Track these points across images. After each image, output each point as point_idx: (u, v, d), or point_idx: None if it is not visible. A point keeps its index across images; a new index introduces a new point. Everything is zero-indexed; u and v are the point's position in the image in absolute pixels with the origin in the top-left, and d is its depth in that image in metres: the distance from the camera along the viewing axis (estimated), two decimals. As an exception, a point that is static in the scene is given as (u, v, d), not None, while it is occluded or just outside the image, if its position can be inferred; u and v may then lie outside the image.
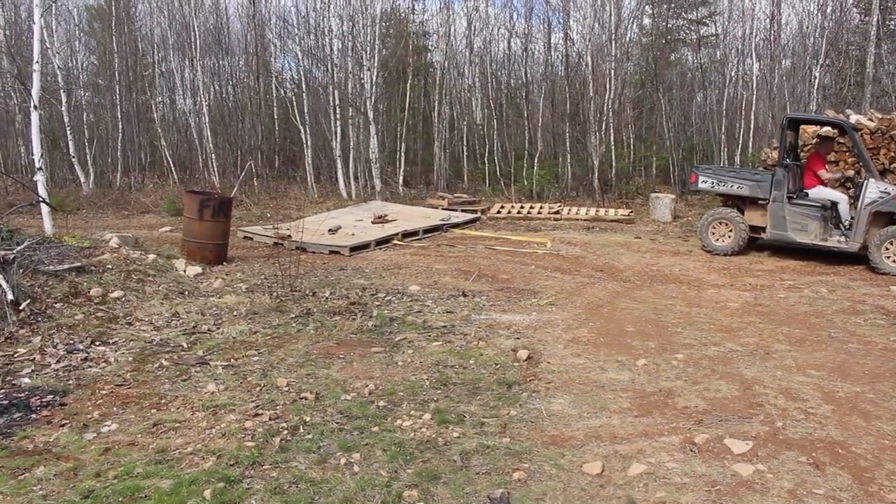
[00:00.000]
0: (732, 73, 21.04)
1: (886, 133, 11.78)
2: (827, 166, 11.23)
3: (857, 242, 10.36)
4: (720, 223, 11.65)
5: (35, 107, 10.05)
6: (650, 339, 6.59)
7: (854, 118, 12.24)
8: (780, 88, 19.72)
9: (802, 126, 12.22)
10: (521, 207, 16.56)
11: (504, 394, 5.11)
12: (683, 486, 3.78)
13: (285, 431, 4.36)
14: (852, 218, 10.51)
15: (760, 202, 11.25)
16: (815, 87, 18.39)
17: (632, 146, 21.10)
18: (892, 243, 10.01)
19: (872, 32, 18.33)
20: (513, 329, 6.85)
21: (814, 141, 12.17)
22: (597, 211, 16.20)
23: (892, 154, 11.75)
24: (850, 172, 11.33)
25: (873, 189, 10.24)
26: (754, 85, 19.50)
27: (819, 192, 10.91)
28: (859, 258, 10.49)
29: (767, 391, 5.20)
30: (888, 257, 10.03)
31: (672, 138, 20.48)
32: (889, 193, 10.18)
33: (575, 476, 3.90)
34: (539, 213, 16.14)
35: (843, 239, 10.59)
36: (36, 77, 10.12)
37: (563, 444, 4.29)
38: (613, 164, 19.57)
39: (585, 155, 19.81)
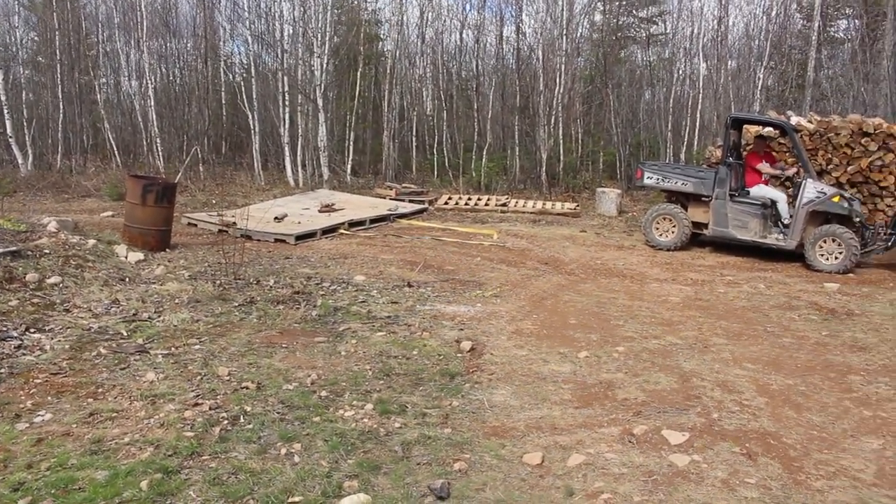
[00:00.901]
0: (680, 72, 21.44)
1: (824, 135, 12.10)
2: (769, 163, 11.48)
3: (794, 240, 10.65)
4: (664, 219, 11.85)
5: (-30, 84, 9.72)
6: (592, 331, 6.69)
7: (794, 120, 12.54)
8: (725, 88, 20.13)
9: (746, 126, 12.48)
10: (469, 199, 16.61)
11: (447, 385, 5.13)
12: (621, 477, 3.85)
13: (225, 421, 4.31)
14: (791, 216, 10.80)
15: (703, 199, 11.48)
16: (759, 88, 18.84)
17: (580, 141, 21.32)
18: (825, 241, 10.32)
19: (814, 38, 18.85)
20: (457, 320, 6.88)
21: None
22: (543, 204, 16.34)
23: (829, 156, 12.08)
24: (791, 171, 11.63)
25: (811, 189, 10.53)
26: (701, 84, 19.88)
27: (760, 191, 11.18)
28: (796, 256, 10.79)
29: (705, 384, 5.33)
30: (822, 255, 10.34)
31: (619, 134, 20.76)
32: (825, 194, 10.49)
33: (515, 466, 3.94)
34: (486, 205, 16.21)
35: (781, 237, 10.87)
36: (-29, 53, 9.78)
37: (504, 434, 4.33)
38: (561, 158, 19.75)
39: (534, 148, 19.95)
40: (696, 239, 11.98)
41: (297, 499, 3.49)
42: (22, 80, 23.09)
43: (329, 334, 6.25)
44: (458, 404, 4.76)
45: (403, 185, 18.36)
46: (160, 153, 20.40)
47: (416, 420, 4.48)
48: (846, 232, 10.25)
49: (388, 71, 21.54)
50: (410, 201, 15.97)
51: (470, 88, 23.31)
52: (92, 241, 8.63)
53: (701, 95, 19.74)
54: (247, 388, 4.85)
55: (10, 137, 19.54)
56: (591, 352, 6.01)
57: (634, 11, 25.00)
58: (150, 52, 21.49)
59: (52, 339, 5.79)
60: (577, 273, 9.68)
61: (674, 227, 11.73)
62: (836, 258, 10.25)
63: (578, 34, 22.05)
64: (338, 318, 6.79)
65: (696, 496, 3.68)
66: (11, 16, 23.94)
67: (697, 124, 19.74)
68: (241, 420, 4.35)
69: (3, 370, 5.04)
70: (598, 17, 23.75)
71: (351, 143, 20.77)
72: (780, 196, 11.10)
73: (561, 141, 19.79)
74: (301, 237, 11.38)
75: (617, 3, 23.66)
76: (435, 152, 22.02)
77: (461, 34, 24.35)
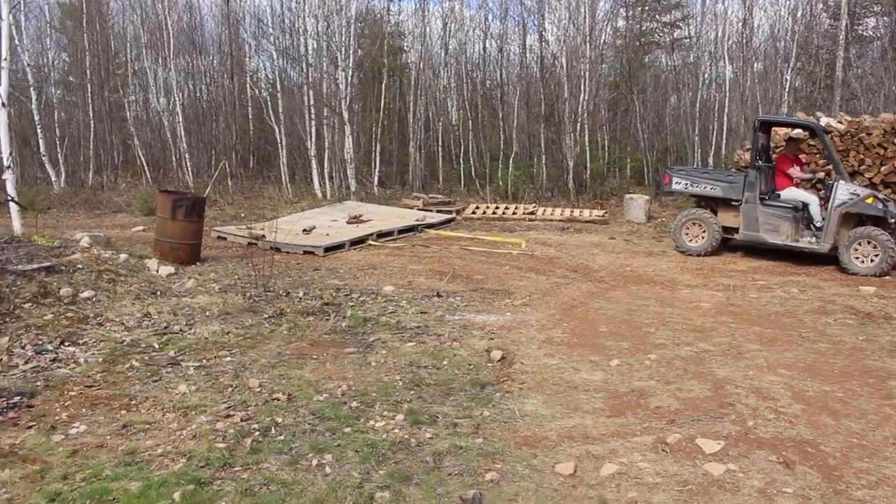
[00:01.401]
0: (705, 76, 21.25)
1: (855, 136, 11.93)
2: (798, 166, 11.34)
3: (827, 243, 10.48)
4: (693, 224, 11.73)
5: (3, 104, 9.90)
6: (623, 339, 6.62)
7: (824, 121, 12.39)
8: (752, 91, 19.93)
9: (774, 128, 12.34)
10: (497, 208, 16.58)
11: (477, 394, 5.11)
12: (655, 486, 3.80)
13: (257, 433, 4.33)
14: (823, 219, 10.63)
15: (733, 203, 11.34)
16: (787, 89, 18.63)
17: (606, 147, 21.22)
18: (860, 244, 10.14)
19: (841, 37, 18.59)
20: (487, 329, 6.85)
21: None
22: (571, 212, 16.26)
23: (861, 156, 11.91)
24: (822, 174, 11.47)
25: (843, 191, 10.36)
26: (727, 87, 19.68)
27: (791, 194, 11.03)
28: (830, 259, 10.61)
29: (739, 391, 5.25)
30: (857, 258, 10.16)
31: (646, 140, 20.61)
32: (858, 195, 10.32)
33: (547, 476, 3.90)
34: (514, 213, 16.17)
35: (813, 240, 10.70)
36: (4, 74, 9.96)
37: (535, 444, 4.30)
38: (588, 165, 19.65)
39: (560, 156, 19.87)
40: (727, 244, 11.84)
41: (329, 510, 3.48)
42: (54, 99, 23.50)
43: (359, 345, 6.26)
44: (489, 414, 4.73)
45: (430, 195, 18.36)
46: (189, 168, 20.64)
47: (447, 430, 4.46)
48: (882, 234, 10.06)
49: (413, 82, 21.61)
50: (438, 211, 15.96)
51: (494, 97, 23.28)
52: (124, 256, 8.74)
53: (727, 99, 19.54)
54: (278, 399, 4.86)
55: (44, 156, 19.89)
56: (622, 360, 5.95)
57: (657, 16, 24.85)
58: (178, 69, 21.77)
59: (86, 352, 5.86)
60: (606, 280, 9.61)
61: (704, 232, 11.61)
62: (872, 261, 10.06)
63: (602, 41, 21.96)
64: (367, 329, 6.79)
65: (733, 505, 3.62)
66: (44, 38, 24.43)
67: (725, 128, 19.52)
68: (273, 431, 4.36)
69: (39, 383, 5.11)
70: (621, 23, 23.64)
71: (377, 154, 20.84)
72: (811, 199, 10.95)
73: (587, 148, 19.70)
74: (330, 249, 11.43)
75: (640, 9, 23.54)
76: (461, 162, 22.02)
77: (484, 44, 24.38)
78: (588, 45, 19.87)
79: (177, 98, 21.07)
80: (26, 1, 20.67)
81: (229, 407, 4.72)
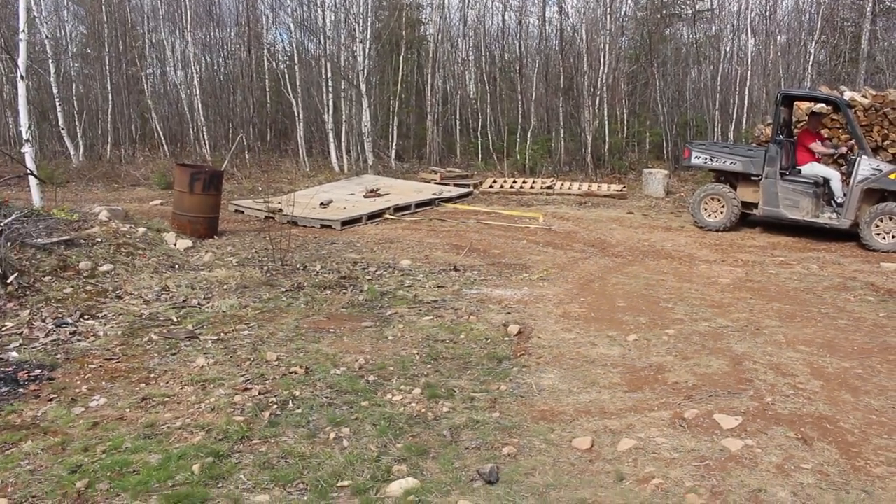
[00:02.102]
0: (727, 49, 20.94)
1: (880, 110, 11.75)
2: (820, 141, 11.19)
3: (848, 219, 10.37)
4: (712, 199, 11.63)
5: (22, 77, 9.91)
6: (641, 314, 6.60)
7: (848, 95, 12.20)
8: (774, 64, 19.62)
9: (797, 102, 12.17)
10: (514, 182, 16.50)
11: (494, 368, 5.11)
12: (672, 461, 3.79)
13: (275, 406, 4.35)
14: (844, 195, 10.50)
15: (753, 178, 11.23)
16: (810, 63, 18.32)
17: (625, 121, 21.02)
18: (882, 220, 10.02)
19: (868, 9, 18.26)
20: (504, 304, 6.84)
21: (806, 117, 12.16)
22: (589, 186, 16.16)
23: (885, 131, 11.73)
24: (844, 149, 11.31)
25: (866, 166, 10.22)
26: (749, 61, 19.39)
27: (812, 169, 10.90)
28: (850, 235, 10.50)
29: (757, 367, 5.22)
30: (878, 234, 10.05)
31: (666, 114, 20.39)
32: (881, 170, 10.18)
33: (564, 451, 3.91)
34: (532, 187, 16.09)
35: (834, 216, 10.59)
36: (22, 47, 9.96)
37: (552, 419, 4.30)
38: (607, 139, 19.49)
39: (579, 130, 19.72)
40: (746, 219, 11.74)
41: (346, 483, 3.51)
42: (72, 72, 23.52)
43: (376, 319, 6.27)
44: (506, 388, 4.74)
45: (448, 168, 18.31)
46: (206, 142, 20.66)
47: (465, 404, 4.47)
48: (904, 210, 9.94)
49: (431, 55, 21.46)
50: (455, 185, 15.92)
51: (513, 70, 23.10)
52: (142, 230, 8.78)
53: (749, 72, 19.25)
54: (295, 372, 4.88)
55: (63, 129, 19.94)
56: (640, 335, 5.93)
57: (679, -12, 24.48)
58: (195, 41, 21.73)
59: (106, 325, 5.91)
60: (624, 255, 9.56)
61: (723, 207, 11.51)
62: (894, 237, 9.95)
63: (622, 13, 21.69)
64: (384, 302, 6.80)
65: (750, 481, 3.60)
66: (61, 10, 24.43)
67: (746, 102, 19.26)
68: (290, 405, 4.39)
69: (59, 356, 5.17)
70: (641, -5, 23.32)
71: (395, 127, 20.78)
72: (832, 174, 10.81)
73: (606, 122, 19.53)
74: (347, 222, 11.44)
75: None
76: (479, 135, 21.91)
77: (503, 16, 24.12)
78: (608, 17, 19.62)
79: (194, 71, 21.04)
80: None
81: (247, 380, 4.75)
